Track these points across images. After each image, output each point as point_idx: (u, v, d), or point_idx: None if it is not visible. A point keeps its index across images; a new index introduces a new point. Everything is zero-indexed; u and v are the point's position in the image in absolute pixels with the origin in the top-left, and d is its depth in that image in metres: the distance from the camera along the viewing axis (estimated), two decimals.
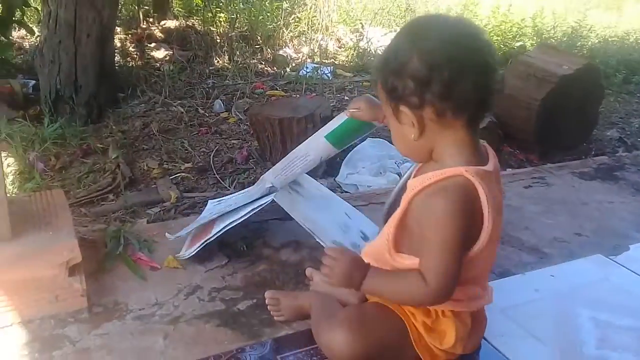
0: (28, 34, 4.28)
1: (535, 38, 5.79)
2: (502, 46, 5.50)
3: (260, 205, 1.69)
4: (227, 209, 1.77)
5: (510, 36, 5.72)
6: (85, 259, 1.62)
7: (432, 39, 1.09)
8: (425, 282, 1.11)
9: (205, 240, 1.70)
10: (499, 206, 1.18)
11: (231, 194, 2.08)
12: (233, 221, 1.69)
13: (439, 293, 1.12)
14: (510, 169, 2.84)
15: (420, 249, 1.14)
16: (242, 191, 1.99)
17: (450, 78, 1.07)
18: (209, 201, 2.03)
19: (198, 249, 1.71)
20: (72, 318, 1.49)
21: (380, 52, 1.26)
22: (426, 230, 1.12)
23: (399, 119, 1.15)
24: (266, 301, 1.50)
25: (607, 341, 1.47)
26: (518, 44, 5.56)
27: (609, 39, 6.11)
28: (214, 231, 1.71)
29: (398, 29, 1.23)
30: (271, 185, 1.72)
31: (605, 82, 3.92)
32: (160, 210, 2.31)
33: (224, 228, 1.69)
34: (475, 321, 1.27)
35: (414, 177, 1.22)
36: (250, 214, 1.69)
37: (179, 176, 2.65)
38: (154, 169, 2.69)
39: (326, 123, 2.76)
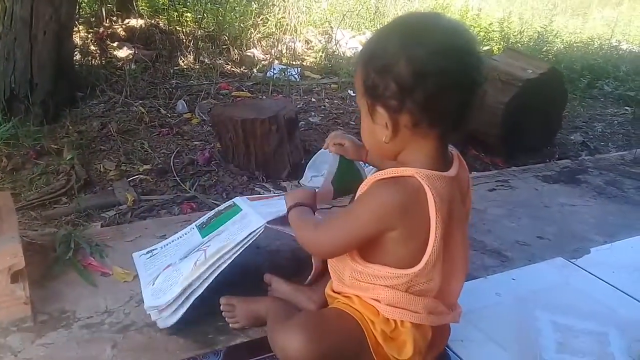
0: None
1: (502, 42, 5.87)
2: None
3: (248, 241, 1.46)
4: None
5: (478, 40, 5.78)
6: (32, 265, 1.56)
7: (424, 46, 1.04)
8: (315, 228, 1.23)
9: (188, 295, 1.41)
10: (458, 214, 1.17)
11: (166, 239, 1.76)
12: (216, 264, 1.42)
13: (316, 240, 1.24)
14: (476, 172, 2.84)
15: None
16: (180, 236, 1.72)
17: (435, 90, 1.04)
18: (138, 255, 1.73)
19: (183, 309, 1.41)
20: (15, 327, 1.42)
21: (364, 44, 1.20)
22: (357, 200, 1.16)
23: (373, 117, 1.12)
24: (221, 307, 1.46)
25: (566, 345, 1.46)
26: (485, 48, 5.62)
27: (574, 44, 6.22)
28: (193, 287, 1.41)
29: (367, 31, 1.19)
30: (264, 225, 1.46)
31: (569, 86, 3.98)
32: (115, 214, 2.22)
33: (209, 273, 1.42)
34: (438, 333, 1.25)
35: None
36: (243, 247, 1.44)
37: (137, 178, 2.57)
38: (110, 170, 2.60)
39: (290, 125, 2.76)
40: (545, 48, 5.77)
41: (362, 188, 1.16)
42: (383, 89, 1.07)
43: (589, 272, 1.82)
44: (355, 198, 1.18)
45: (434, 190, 1.08)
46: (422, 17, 1.16)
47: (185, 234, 1.70)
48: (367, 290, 1.20)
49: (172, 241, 1.71)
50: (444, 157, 1.16)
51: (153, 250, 1.72)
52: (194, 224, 1.72)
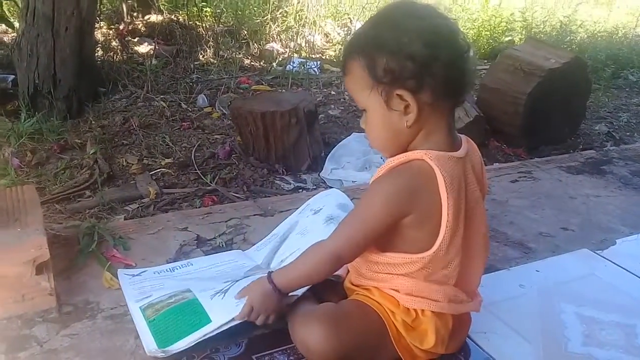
0: (9, 29, 4.20)
1: (524, 33, 5.78)
2: (490, 41, 5.48)
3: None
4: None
5: (499, 31, 5.71)
6: (56, 257, 1.57)
7: (425, 19, 1.07)
8: (327, 240, 1.18)
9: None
10: (475, 195, 1.16)
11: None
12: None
13: (333, 252, 1.16)
14: (497, 163, 2.81)
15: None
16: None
17: (447, 59, 1.05)
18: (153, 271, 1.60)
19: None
20: (40, 318, 1.43)
21: (353, 41, 1.18)
22: (365, 195, 1.16)
23: (390, 104, 1.10)
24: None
25: (593, 338, 1.43)
26: (507, 39, 5.54)
27: (598, 34, 6.10)
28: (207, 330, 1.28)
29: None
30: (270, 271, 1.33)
31: (593, 76, 3.91)
32: (138, 207, 2.25)
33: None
34: (458, 322, 1.24)
35: None
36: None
37: (159, 172, 2.59)
38: (133, 164, 2.63)
39: (310, 118, 2.75)
40: (568, 38, 5.68)
41: (372, 179, 1.16)
42: (400, 70, 1.06)
43: (615, 264, 1.78)
44: (364, 193, 1.17)
45: (444, 170, 1.08)
46: (401, 2, 1.15)
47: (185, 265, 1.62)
48: (385, 281, 1.20)
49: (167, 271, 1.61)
50: (454, 138, 1.16)
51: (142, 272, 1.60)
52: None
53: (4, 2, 3.80)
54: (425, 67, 1.05)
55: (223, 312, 1.30)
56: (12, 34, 4.39)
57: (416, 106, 1.08)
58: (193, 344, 1.26)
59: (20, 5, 3.34)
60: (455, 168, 1.11)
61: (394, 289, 1.18)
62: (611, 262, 1.79)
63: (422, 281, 1.16)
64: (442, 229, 1.11)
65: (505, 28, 5.77)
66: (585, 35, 6.02)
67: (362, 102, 1.15)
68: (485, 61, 5.05)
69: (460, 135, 1.19)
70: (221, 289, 1.39)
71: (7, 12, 4.35)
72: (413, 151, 1.11)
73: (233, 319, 1.27)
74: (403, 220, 1.11)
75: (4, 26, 4.36)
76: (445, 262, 1.15)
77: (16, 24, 3.95)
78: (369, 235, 1.15)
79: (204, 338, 1.27)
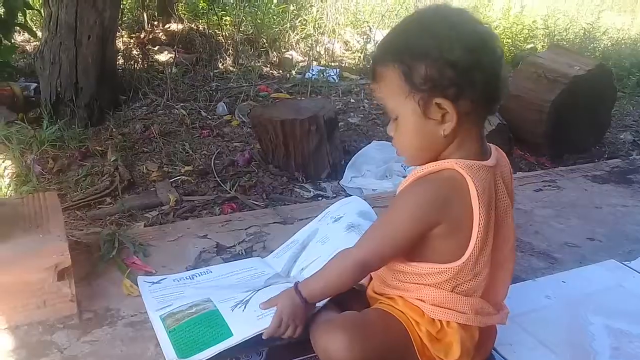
0: (32, 37, 4.27)
1: (546, 40, 5.73)
2: (512, 48, 5.43)
3: None
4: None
5: (522, 38, 5.67)
6: (77, 263, 1.57)
7: (464, 25, 1.05)
8: (353, 248, 1.15)
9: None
10: (505, 204, 1.14)
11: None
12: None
13: (359, 261, 1.14)
14: (521, 172, 2.76)
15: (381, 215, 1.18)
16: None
17: (489, 66, 1.04)
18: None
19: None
20: (61, 324, 1.43)
21: (385, 46, 1.12)
22: (393, 203, 1.13)
23: (427, 113, 1.06)
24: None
25: (622, 350, 1.39)
26: (529, 46, 5.49)
27: (622, 41, 6.03)
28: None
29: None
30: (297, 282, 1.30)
31: (618, 84, 3.84)
32: (158, 214, 2.25)
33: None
34: (485, 334, 1.21)
35: None
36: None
37: (179, 179, 2.60)
38: (153, 171, 2.64)
39: (330, 125, 2.74)
40: (592, 45, 5.61)
41: (400, 188, 1.13)
42: (440, 78, 1.02)
43: None
44: (392, 201, 1.14)
45: (476, 180, 1.05)
46: (437, 6, 1.12)
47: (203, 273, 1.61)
48: (411, 290, 1.17)
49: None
50: (484, 147, 1.13)
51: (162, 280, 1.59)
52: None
53: (27, 12, 3.86)
54: (467, 74, 1.02)
55: (244, 325, 1.28)
56: (35, 43, 4.46)
57: (455, 115, 1.04)
58: (213, 355, 1.25)
59: (43, 15, 3.38)
60: (487, 177, 1.08)
61: (419, 299, 1.16)
62: (639, 273, 1.74)
63: (449, 292, 1.13)
64: (472, 240, 1.08)
65: (527, 35, 5.72)
66: (609, 43, 5.94)
67: (395, 110, 1.11)
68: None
69: (489, 144, 1.16)
70: (242, 299, 1.37)
71: (29, 22, 4.43)
72: (443, 160, 1.08)
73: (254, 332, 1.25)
74: (432, 230, 1.08)
75: (26, 35, 4.43)
76: (473, 273, 1.12)
77: (39, 33, 4.02)
78: (398, 244, 1.13)
79: (224, 349, 1.25)
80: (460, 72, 1.01)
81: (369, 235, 1.17)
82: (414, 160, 1.16)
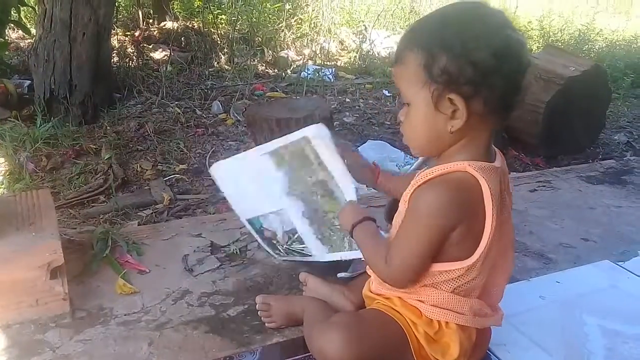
0: (25, 35, 4.24)
1: (541, 41, 5.74)
2: None
3: None
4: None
5: None
6: (70, 262, 1.56)
7: (497, 28, 1.02)
8: (385, 262, 1.12)
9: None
10: (506, 205, 1.14)
11: None
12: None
13: (393, 277, 1.14)
14: (516, 173, 2.77)
15: (399, 227, 1.12)
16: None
17: (511, 74, 1.02)
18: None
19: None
20: (53, 323, 1.42)
21: (419, 28, 1.10)
22: (409, 213, 1.10)
23: (438, 106, 1.04)
24: (257, 306, 1.44)
25: (615, 351, 1.39)
26: None
27: (617, 43, 6.05)
28: None
29: (402, 31, 1.13)
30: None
31: (612, 85, 3.85)
32: (152, 213, 2.24)
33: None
34: (480, 336, 1.21)
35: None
36: None
37: (173, 178, 2.59)
38: (147, 170, 2.63)
39: (325, 124, 2.71)
40: (586, 47, 5.63)
41: (411, 190, 1.10)
42: (458, 74, 1.01)
43: (638, 276, 1.74)
44: (408, 207, 1.11)
45: (490, 182, 1.04)
46: (478, 3, 1.10)
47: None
48: (411, 291, 1.16)
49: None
50: (491, 149, 1.12)
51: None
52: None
53: (21, 8, 3.84)
54: (486, 76, 1.00)
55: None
56: (29, 40, 4.44)
57: (465, 113, 1.03)
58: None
59: (37, 11, 3.36)
60: (496, 179, 1.08)
61: (419, 300, 1.15)
62: (633, 274, 1.75)
63: (449, 293, 1.13)
64: (482, 242, 1.07)
65: None
66: (604, 44, 5.96)
67: (408, 96, 1.09)
68: None
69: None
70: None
71: (24, 19, 4.40)
72: (454, 162, 1.06)
73: None
74: (449, 234, 1.07)
75: (20, 32, 4.40)
76: (477, 272, 1.11)
77: (33, 30, 3.99)
78: (426, 258, 1.09)
79: None
80: (479, 73, 1.00)
81: (396, 252, 1.12)
82: (418, 150, 1.16)
